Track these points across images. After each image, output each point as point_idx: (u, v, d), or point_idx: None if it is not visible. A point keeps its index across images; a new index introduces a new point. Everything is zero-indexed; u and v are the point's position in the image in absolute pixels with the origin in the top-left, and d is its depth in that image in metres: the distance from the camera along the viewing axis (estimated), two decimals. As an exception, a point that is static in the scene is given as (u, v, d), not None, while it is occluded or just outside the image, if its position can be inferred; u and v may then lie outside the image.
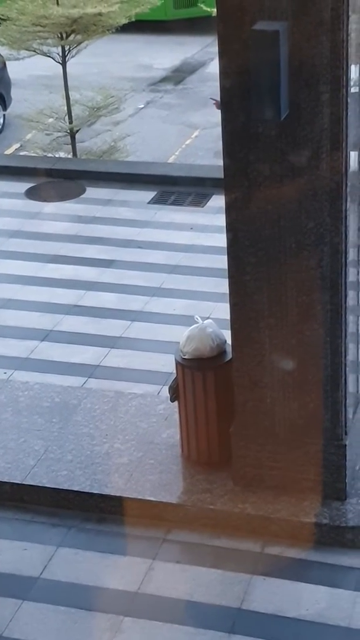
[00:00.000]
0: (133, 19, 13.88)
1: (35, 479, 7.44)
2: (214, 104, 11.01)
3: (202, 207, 12.03)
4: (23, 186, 12.83)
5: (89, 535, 7.13)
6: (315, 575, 6.68)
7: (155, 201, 12.26)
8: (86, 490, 7.31)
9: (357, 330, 7.02)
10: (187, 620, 6.43)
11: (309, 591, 6.55)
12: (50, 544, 7.06)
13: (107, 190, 12.60)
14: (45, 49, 13.76)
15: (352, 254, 6.61)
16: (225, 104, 6.24)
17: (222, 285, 9.17)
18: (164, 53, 19.91)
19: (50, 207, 12.30)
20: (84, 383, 8.74)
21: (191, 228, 11.44)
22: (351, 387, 6.96)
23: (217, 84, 6.29)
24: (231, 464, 7.20)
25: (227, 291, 6.77)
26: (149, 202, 12.26)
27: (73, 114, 13.78)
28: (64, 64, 13.75)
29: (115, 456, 7.59)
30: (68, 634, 6.37)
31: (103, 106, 13.94)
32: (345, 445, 6.87)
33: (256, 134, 6.24)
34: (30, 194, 12.68)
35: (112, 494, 7.25)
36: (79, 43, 13.64)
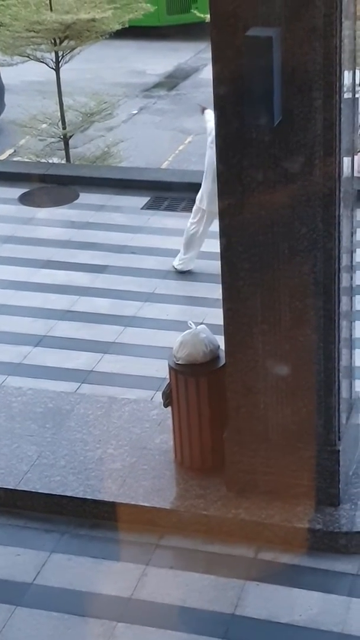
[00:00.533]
0: (126, 25, 13.88)
1: (29, 485, 7.43)
2: (201, 108, 11.12)
3: (196, 212, 12.04)
4: (16, 192, 12.83)
5: (82, 541, 7.12)
6: (308, 580, 6.67)
7: (148, 207, 12.27)
8: (79, 495, 7.30)
9: (350, 335, 7.03)
10: (180, 626, 6.42)
11: (302, 597, 6.55)
12: (44, 550, 7.05)
13: (100, 196, 12.60)
14: (38, 54, 13.75)
15: (345, 260, 6.63)
16: (219, 110, 6.25)
17: (216, 291, 9.19)
18: (157, 59, 19.92)
19: (43, 213, 12.30)
20: (77, 388, 8.73)
21: (184, 234, 11.44)
22: (344, 393, 6.96)
23: (211, 89, 6.30)
24: (224, 470, 7.20)
25: (221, 297, 6.78)
26: (142, 208, 12.26)
27: (66, 120, 13.78)
28: (57, 69, 13.75)
29: (109, 462, 7.58)
30: (61, 639, 6.36)
31: (96, 112, 13.93)
32: (339, 450, 6.87)
33: (250, 139, 6.25)
34: (24, 199, 12.68)
35: (106, 499, 7.25)
36: (73, 49, 13.63)
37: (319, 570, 6.76)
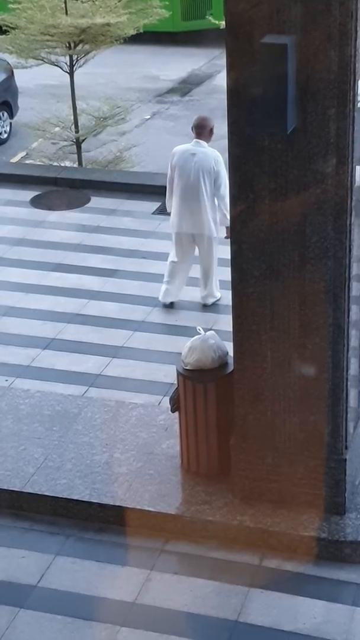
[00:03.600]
0: (141, 30, 13.92)
1: (35, 487, 7.44)
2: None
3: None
4: (28, 194, 12.86)
5: (87, 545, 7.12)
6: (312, 589, 6.66)
7: (159, 212, 12.27)
8: (85, 499, 7.30)
9: (359, 344, 7.02)
10: (183, 631, 6.41)
11: (306, 605, 6.54)
12: (48, 553, 7.05)
13: (111, 200, 12.62)
14: (53, 58, 13.80)
15: (355, 268, 6.62)
16: (232, 117, 6.26)
17: (225, 297, 9.19)
18: (171, 64, 19.96)
19: (54, 216, 12.32)
20: (85, 392, 8.74)
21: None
22: (352, 402, 6.96)
23: (224, 96, 6.32)
24: (230, 476, 7.19)
25: (230, 303, 6.78)
26: (153, 213, 12.28)
27: (79, 124, 13.82)
28: (71, 73, 13.79)
29: (115, 466, 7.58)
30: (64, 643, 6.37)
31: (109, 116, 13.98)
32: (345, 459, 6.86)
33: (262, 147, 6.25)
34: (35, 202, 12.71)
35: (111, 503, 7.25)
36: (87, 53, 13.68)
37: (323, 579, 6.75)
